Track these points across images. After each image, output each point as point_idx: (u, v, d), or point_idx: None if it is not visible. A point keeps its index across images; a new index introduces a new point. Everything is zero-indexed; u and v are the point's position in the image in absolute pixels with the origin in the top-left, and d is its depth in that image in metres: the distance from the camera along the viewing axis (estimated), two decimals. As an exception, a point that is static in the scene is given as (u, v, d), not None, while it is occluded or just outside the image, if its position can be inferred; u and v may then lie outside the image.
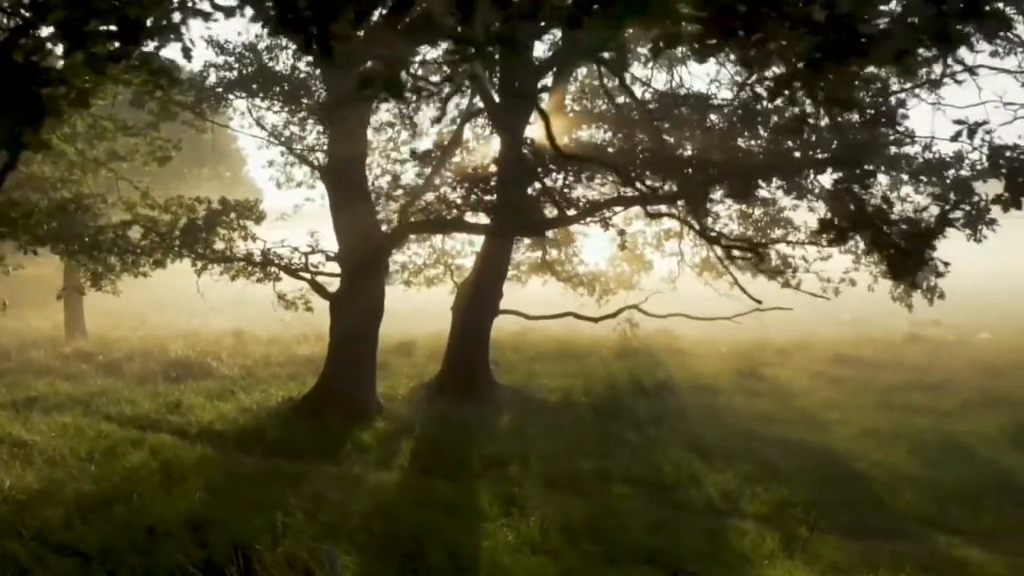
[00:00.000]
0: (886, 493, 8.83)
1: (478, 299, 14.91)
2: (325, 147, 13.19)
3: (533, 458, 10.07)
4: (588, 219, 12.04)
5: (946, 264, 15.14)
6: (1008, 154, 6.54)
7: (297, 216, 19.46)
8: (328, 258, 12.47)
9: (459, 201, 11.68)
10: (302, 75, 13.40)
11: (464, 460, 10.09)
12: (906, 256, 3.39)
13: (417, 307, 25.23)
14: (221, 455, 10.27)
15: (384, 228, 13.25)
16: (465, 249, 19.51)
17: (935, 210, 7.60)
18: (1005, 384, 15.01)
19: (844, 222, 3.56)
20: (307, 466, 9.59)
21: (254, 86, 13.53)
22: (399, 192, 12.59)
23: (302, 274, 12.95)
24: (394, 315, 27.54)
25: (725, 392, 15.00)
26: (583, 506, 8.14)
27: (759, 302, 16.13)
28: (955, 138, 5.37)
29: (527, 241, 20.18)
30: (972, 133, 4.74)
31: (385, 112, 19.30)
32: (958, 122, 4.58)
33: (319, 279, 13.56)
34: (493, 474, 9.55)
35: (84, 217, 13.55)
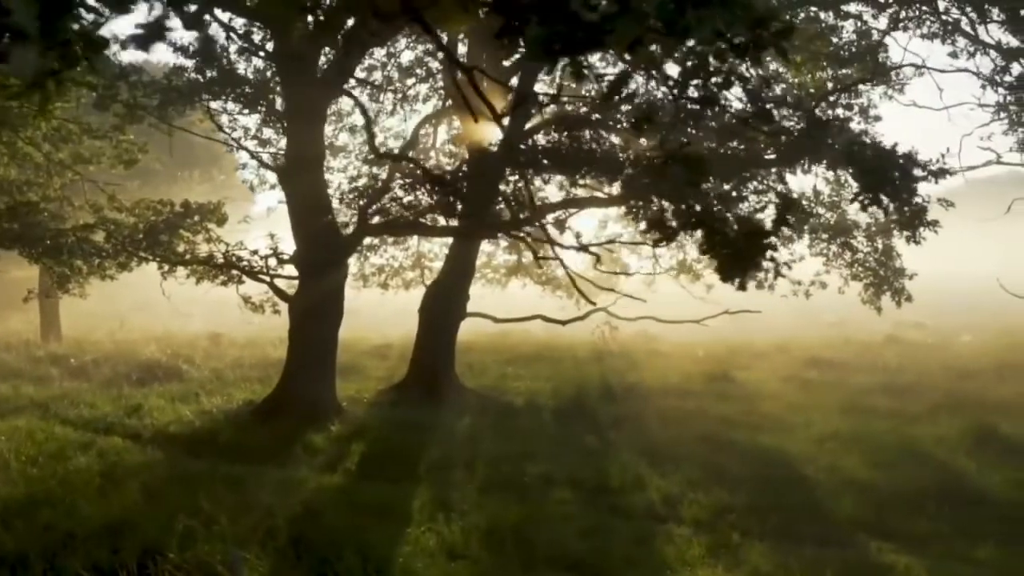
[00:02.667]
0: (828, 498, 8.72)
1: (444, 301, 14.86)
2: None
3: (480, 462, 10.01)
4: (543, 221, 11.96)
5: (911, 276, 15.12)
6: (869, 153, 6.40)
7: (272, 218, 19.47)
8: (281, 260, 12.43)
9: (415, 202, 11.62)
10: (263, 77, 13.38)
11: (411, 463, 10.01)
12: (740, 257, 3.30)
13: (399, 310, 25.23)
14: (168, 458, 10.23)
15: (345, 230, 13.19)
16: (441, 252, 19.53)
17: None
18: (975, 387, 14.88)
19: (674, 220, 3.47)
20: (249, 469, 9.51)
21: (216, 88, 13.52)
22: (354, 194, 12.52)
23: (261, 277, 12.91)
24: (375, 318, 27.56)
25: (693, 395, 14.89)
26: (517, 510, 8.04)
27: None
28: (810, 135, 5.25)
29: (504, 244, 20.20)
30: (822, 129, 4.62)
31: (359, 115, 19.38)
32: (811, 119, 4.47)
33: (282, 282, 13.55)
34: (437, 477, 9.47)
35: (44, 219, 13.55)
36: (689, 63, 4.11)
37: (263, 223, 19.02)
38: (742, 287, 3.56)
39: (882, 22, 13.59)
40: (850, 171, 6.62)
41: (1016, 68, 12.30)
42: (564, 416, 13.06)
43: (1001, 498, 8.61)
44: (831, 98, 16.61)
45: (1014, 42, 12.09)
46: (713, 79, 4.16)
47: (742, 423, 12.62)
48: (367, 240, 18.12)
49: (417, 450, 10.60)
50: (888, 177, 4.97)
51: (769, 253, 3.45)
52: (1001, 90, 12.81)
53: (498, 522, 7.64)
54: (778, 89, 16.70)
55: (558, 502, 8.63)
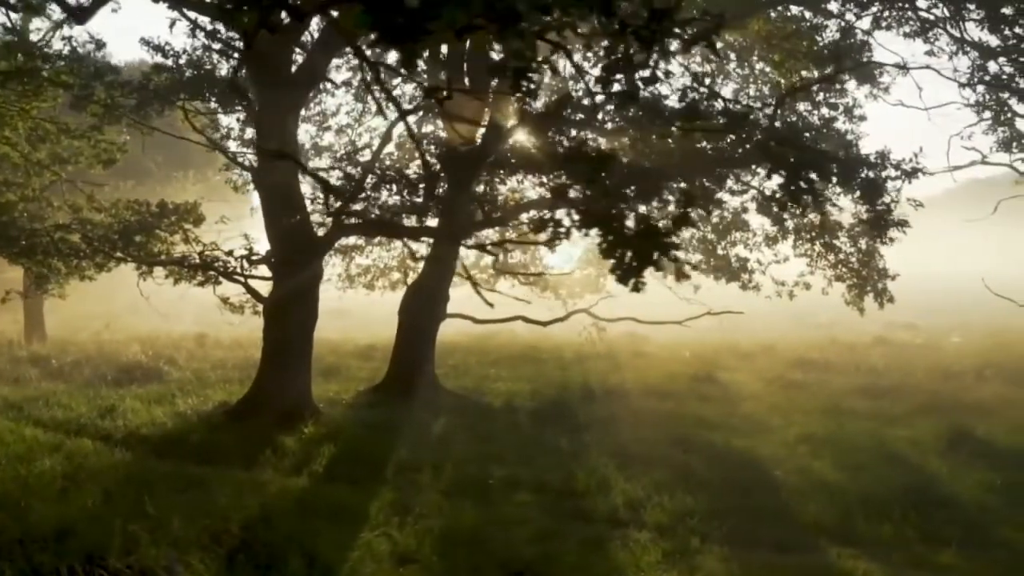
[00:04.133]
0: (795, 502, 8.61)
1: (424, 303, 14.79)
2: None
3: (448, 464, 9.92)
4: (516, 222, 11.87)
5: (894, 277, 14.96)
6: (787, 152, 6.27)
7: (255, 218, 19.38)
8: (251, 261, 12.33)
9: (389, 203, 11.56)
10: (237, 77, 13.31)
11: (379, 465, 9.93)
12: (637, 258, 3.18)
13: (392, 311, 25.17)
14: (134, 461, 10.16)
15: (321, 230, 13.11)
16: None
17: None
18: (956, 388, 14.76)
19: (569, 219, 3.38)
20: (214, 471, 9.45)
21: (192, 88, 13.48)
22: (326, 194, 12.41)
23: (236, 277, 12.84)
24: (367, 318, 27.42)
25: (674, 397, 14.78)
26: (476, 514, 7.96)
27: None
28: (728, 129, 5.15)
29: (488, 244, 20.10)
30: (738, 122, 4.52)
31: (345, 115, 19.34)
32: (725, 112, 4.37)
33: (262, 284, 13.46)
34: (402, 480, 9.40)
35: (21, 219, 13.52)
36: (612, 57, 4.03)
37: (247, 222, 18.96)
38: (636, 289, 3.46)
39: (864, 22, 13.45)
40: (768, 168, 6.54)
41: (994, 67, 12.16)
42: (541, 418, 12.96)
43: (969, 501, 8.50)
44: (817, 98, 16.57)
45: (994, 40, 11.97)
46: (638, 74, 4.07)
47: (720, 425, 12.52)
48: (352, 240, 18.09)
49: (386, 452, 10.52)
50: (803, 176, 4.87)
51: (672, 253, 3.34)
52: (980, 88, 12.68)
53: (455, 526, 7.56)
54: (755, 89, 16.60)
55: (520, 505, 8.54)
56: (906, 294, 15.65)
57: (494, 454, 10.35)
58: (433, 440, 11.46)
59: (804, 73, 15.97)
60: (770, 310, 21.19)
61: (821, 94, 16.39)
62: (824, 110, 16.18)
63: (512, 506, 8.48)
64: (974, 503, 8.45)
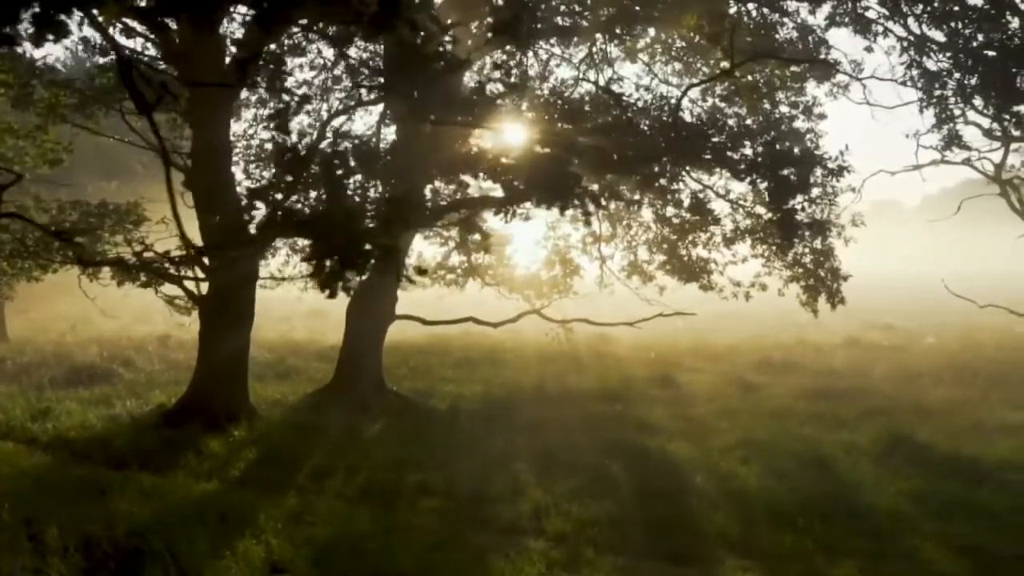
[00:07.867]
0: (706, 510, 8.34)
1: (371, 304, 14.59)
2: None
3: (365, 468, 9.73)
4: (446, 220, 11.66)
5: (846, 278, 14.70)
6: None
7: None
8: (176, 260, 12.13)
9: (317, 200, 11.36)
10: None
11: (295, 470, 9.75)
12: (341, 262, 2.98)
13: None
14: (51, 465, 10.01)
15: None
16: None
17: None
18: (912, 391, 14.46)
19: (278, 223, 3.13)
20: (125, 476, 9.30)
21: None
22: (259, 193, 12.21)
23: (171, 275, 12.65)
24: (342, 319, 27.25)
25: (626, 399, 14.52)
26: (372, 522, 7.77)
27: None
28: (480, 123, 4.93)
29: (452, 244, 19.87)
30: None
31: (306, 114, 19.10)
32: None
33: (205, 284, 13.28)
34: (312, 485, 9.22)
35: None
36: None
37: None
38: (332, 295, 3.25)
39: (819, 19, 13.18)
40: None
41: (932, 65, 11.83)
42: (481, 421, 12.74)
43: (883, 510, 8.23)
44: (780, 96, 16.33)
45: (939, 36, 11.68)
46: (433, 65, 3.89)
47: (662, 429, 12.26)
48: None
49: (307, 456, 10.33)
50: (556, 179, 4.61)
51: (392, 258, 3.12)
52: (921, 83, 12.32)
53: (343, 533, 7.38)
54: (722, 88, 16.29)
55: (423, 512, 8.34)
56: (893, 293, 15.41)
57: (415, 459, 10.13)
58: (360, 444, 11.26)
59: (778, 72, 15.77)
60: (752, 310, 20.87)
61: (781, 92, 16.20)
62: (785, 107, 15.99)
63: (414, 513, 8.29)
64: (888, 512, 8.18)
